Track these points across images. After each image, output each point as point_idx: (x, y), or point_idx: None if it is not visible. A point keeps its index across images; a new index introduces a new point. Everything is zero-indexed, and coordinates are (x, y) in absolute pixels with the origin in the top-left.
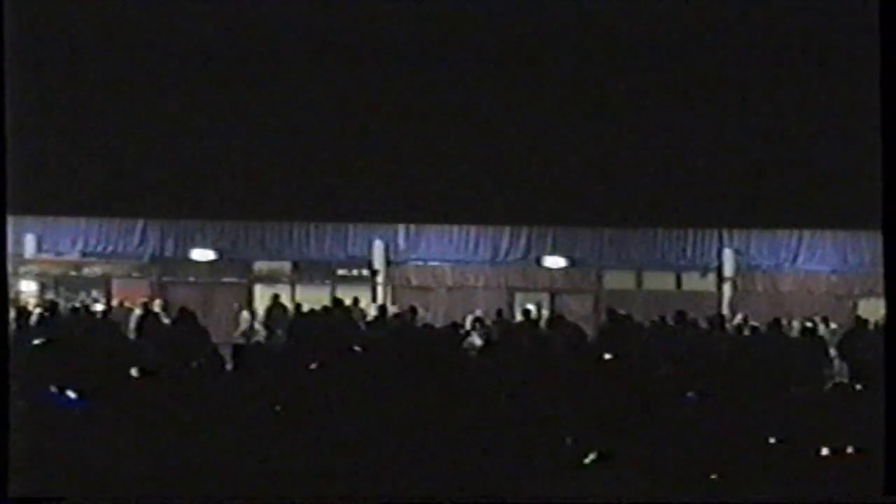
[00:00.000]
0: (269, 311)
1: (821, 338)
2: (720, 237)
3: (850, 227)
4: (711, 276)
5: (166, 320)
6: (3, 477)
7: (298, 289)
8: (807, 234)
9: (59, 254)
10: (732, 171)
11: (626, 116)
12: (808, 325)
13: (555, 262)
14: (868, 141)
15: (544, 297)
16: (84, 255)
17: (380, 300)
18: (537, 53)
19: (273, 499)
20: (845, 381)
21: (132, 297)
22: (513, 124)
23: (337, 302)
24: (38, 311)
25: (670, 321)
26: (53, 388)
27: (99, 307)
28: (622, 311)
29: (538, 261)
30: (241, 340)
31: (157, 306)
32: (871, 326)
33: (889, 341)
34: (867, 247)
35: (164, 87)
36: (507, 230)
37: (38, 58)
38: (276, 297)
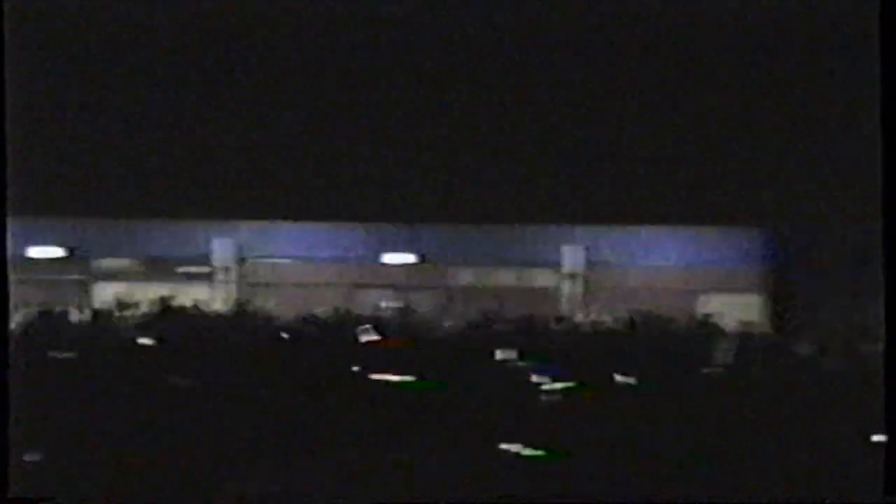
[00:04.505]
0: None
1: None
2: (569, 232)
3: (694, 223)
4: (554, 272)
5: None
6: (2, 477)
7: (140, 286)
8: (650, 229)
9: None
10: (577, 165)
11: (469, 111)
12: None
13: (401, 258)
14: (712, 133)
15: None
16: None
17: (225, 297)
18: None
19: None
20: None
21: None
22: (356, 122)
23: (164, 301)
24: None
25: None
26: None
27: None
28: None
29: (380, 258)
30: None
31: None
32: (714, 323)
33: (889, 341)
34: (711, 243)
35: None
36: (353, 226)
37: None
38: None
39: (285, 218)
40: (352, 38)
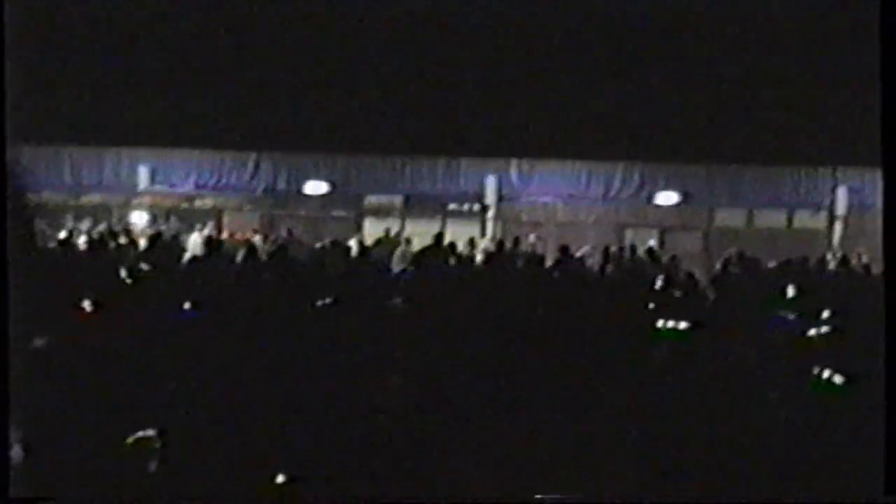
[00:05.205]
0: (377, 243)
1: None
2: (834, 175)
3: None
4: (823, 215)
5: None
6: (3, 477)
7: (408, 223)
8: None
9: (172, 186)
10: (847, 107)
11: (735, 52)
12: None
13: (667, 198)
14: None
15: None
16: (197, 187)
17: (489, 235)
18: None
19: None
20: None
21: (242, 230)
22: (625, 60)
23: (438, 238)
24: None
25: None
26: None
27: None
28: None
29: (649, 198)
30: None
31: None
32: None
33: (889, 338)
34: None
35: (275, 21)
36: (620, 166)
37: None
38: (387, 230)
39: (550, 156)
40: None
